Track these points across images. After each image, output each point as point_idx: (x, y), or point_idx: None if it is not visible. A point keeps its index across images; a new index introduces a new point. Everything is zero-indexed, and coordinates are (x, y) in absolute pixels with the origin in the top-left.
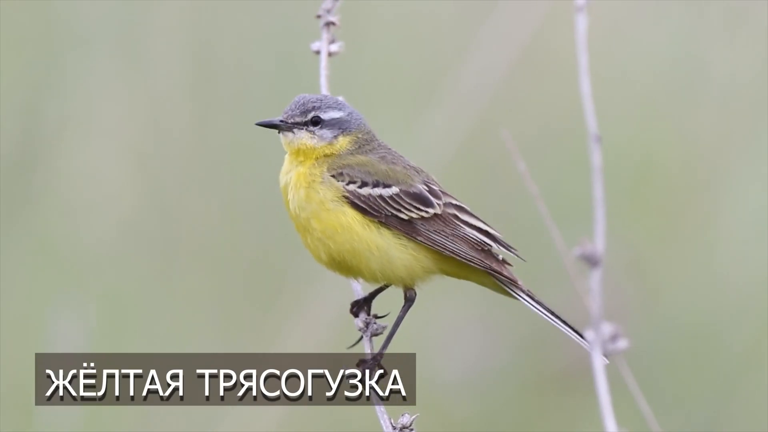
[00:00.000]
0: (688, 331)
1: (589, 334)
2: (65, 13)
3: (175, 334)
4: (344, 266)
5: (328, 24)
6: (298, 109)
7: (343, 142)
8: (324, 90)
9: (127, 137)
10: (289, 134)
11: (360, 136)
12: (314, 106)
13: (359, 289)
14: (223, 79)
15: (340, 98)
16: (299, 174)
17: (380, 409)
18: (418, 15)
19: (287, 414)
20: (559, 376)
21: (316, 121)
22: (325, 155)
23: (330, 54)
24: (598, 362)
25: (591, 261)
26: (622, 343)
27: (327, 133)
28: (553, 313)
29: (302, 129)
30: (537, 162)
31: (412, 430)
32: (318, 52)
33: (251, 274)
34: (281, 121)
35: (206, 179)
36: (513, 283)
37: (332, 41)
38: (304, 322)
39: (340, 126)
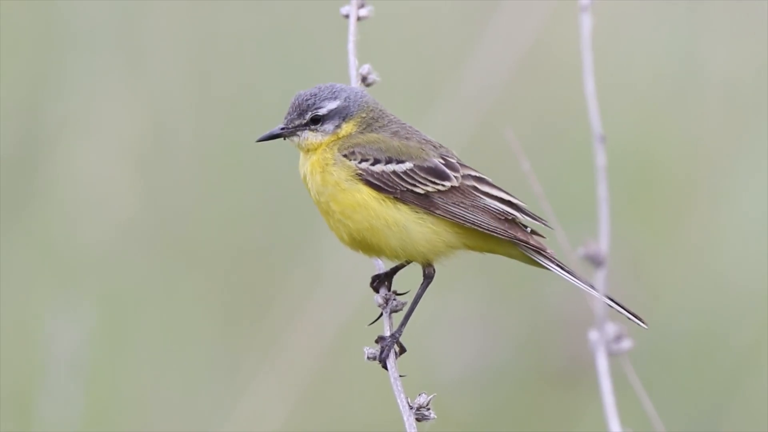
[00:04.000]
0: (688, 331)
1: (593, 334)
2: (65, 12)
3: (174, 334)
4: (365, 245)
5: None
6: (295, 112)
7: (347, 128)
8: (351, 56)
9: (127, 137)
10: (295, 138)
11: (365, 115)
12: (308, 105)
13: (381, 264)
14: (223, 79)
15: (337, 84)
16: (313, 162)
17: (397, 388)
18: (418, 15)
19: (293, 413)
20: (558, 374)
21: (316, 119)
22: (337, 139)
23: (359, 18)
24: (603, 363)
25: (595, 261)
26: (626, 343)
27: (329, 126)
28: (587, 283)
29: (305, 129)
30: (537, 162)
31: (428, 409)
32: (347, 17)
33: (251, 275)
34: (282, 128)
35: (206, 179)
36: (540, 251)
37: (361, 5)
38: (305, 323)
39: (339, 114)
